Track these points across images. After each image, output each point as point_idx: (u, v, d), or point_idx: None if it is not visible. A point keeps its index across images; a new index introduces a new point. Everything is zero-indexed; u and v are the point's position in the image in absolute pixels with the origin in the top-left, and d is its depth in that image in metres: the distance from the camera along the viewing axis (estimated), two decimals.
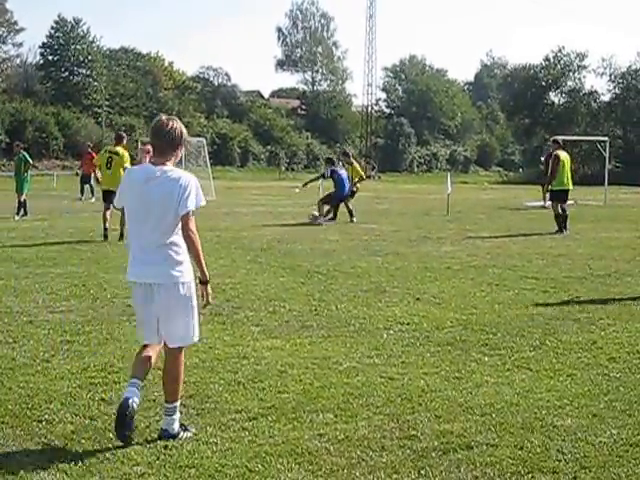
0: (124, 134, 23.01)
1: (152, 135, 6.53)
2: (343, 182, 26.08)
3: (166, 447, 6.14)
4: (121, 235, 19.92)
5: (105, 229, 20.30)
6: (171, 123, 6.46)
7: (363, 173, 29.37)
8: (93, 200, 35.55)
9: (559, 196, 22.91)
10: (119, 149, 21.05)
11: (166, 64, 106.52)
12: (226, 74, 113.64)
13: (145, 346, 6.56)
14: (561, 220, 22.64)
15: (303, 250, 18.40)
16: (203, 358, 8.71)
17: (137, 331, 6.80)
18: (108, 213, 20.46)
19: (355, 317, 10.93)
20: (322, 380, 7.86)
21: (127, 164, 20.65)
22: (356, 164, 28.97)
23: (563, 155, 23.19)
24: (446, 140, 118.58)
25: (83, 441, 6.24)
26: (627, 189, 56.32)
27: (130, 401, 6.23)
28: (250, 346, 9.32)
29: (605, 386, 7.81)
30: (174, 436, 6.32)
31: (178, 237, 6.37)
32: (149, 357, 6.52)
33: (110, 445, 6.16)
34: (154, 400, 7.17)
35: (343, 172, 26.69)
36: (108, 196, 20.64)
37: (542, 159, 23.52)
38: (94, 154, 37.95)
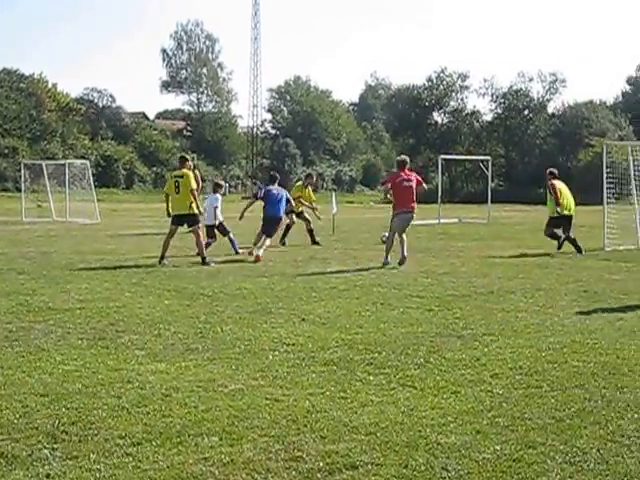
0: (188, 156, 22.85)
1: None
2: None
3: (48, 476, 5.98)
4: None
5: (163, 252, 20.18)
6: None
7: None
8: None
9: (556, 222, 23.24)
10: (184, 171, 20.55)
11: (50, 85, 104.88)
12: (110, 95, 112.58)
13: None
14: (561, 241, 23.38)
15: (189, 272, 18.28)
16: (86, 383, 8.55)
17: None
18: (171, 239, 20.67)
19: (240, 339, 10.88)
20: (207, 403, 7.79)
21: (194, 185, 20.38)
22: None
23: (559, 184, 23.47)
24: (332, 160, 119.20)
25: None
26: (510, 207, 57.54)
27: None
28: (134, 370, 9.19)
29: (488, 402, 7.90)
30: None
31: None
32: None
33: None
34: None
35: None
36: (177, 220, 20.72)
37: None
38: None
